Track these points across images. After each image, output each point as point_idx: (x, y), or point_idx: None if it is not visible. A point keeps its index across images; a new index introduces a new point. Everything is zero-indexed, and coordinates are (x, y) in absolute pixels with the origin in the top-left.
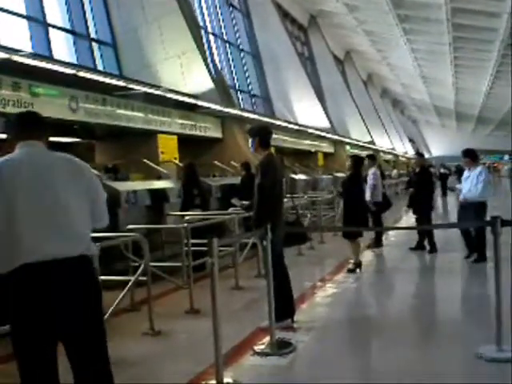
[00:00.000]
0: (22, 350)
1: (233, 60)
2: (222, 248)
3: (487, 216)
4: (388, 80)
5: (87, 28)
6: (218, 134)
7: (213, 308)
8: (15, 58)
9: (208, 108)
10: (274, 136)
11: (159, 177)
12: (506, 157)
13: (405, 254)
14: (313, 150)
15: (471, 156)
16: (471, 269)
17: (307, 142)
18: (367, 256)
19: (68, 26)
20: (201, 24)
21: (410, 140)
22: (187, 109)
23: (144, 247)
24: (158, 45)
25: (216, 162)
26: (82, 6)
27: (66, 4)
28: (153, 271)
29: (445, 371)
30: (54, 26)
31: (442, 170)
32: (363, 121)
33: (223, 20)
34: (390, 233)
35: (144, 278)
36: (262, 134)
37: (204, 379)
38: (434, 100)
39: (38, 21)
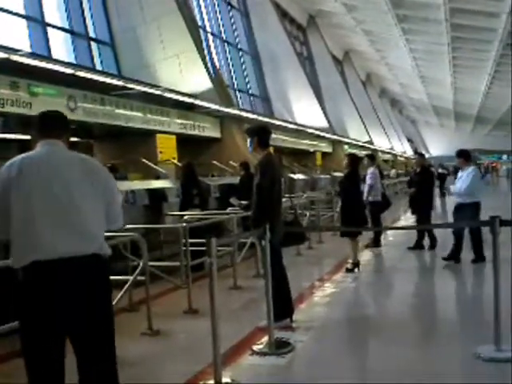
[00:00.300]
0: (29, 347)
1: (231, 60)
2: (220, 248)
3: (483, 216)
4: (387, 80)
5: (86, 27)
6: (216, 134)
7: (211, 308)
8: (14, 57)
9: (207, 108)
10: (273, 136)
11: (158, 176)
12: (505, 156)
13: (403, 253)
14: (311, 149)
15: (464, 156)
16: (470, 269)
17: (306, 141)
18: (365, 256)
19: (66, 26)
20: (199, 24)
21: (409, 140)
22: (186, 108)
23: (142, 247)
24: (157, 44)
25: (215, 161)
26: (81, 5)
27: (64, 4)
28: (151, 271)
29: (443, 371)
30: (52, 26)
31: (440, 170)
32: (362, 120)
33: (222, 19)
34: (389, 232)
35: (142, 278)
36: (260, 133)
37: (202, 379)
38: (432, 100)
39: (36, 20)
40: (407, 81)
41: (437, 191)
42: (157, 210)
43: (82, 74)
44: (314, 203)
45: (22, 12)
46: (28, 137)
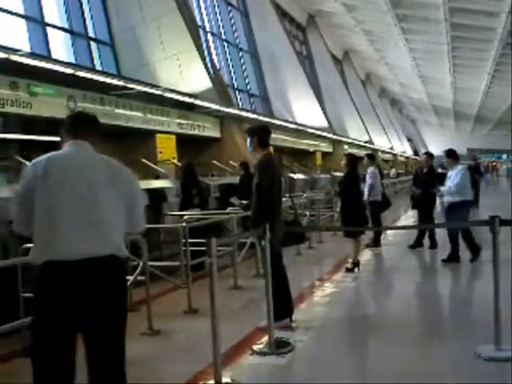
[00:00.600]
0: (39, 344)
1: (231, 59)
2: (220, 248)
3: (483, 215)
4: (386, 79)
5: (85, 27)
6: (216, 134)
7: (211, 307)
8: (13, 57)
9: (206, 108)
10: (273, 135)
11: (157, 176)
12: (505, 156)
13: (403, 253)
14: (311, 149)
15: (453, 156)
16: (469, 268)
17: (306, 141)
18: (365, 255)
19: (66, 26)
20: (199, 23)
21: (409, 139)
22: (186, 108)
23: (142, 247)
24: (157, 44)
25: (214, 161)
26: (81, 5)
27: (64, 3)
28: (151, 271)
29: (443, 371)
30: (52, 26)
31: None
32: (361, 120)
33: (221, 19)
34: (389, 232)
35: (142, 278)
36: (260, 133)
37: (202, 379)
38: (432, 99)
39: (36, 20)
40: (407, 80)
41: None
42: (157, 209)
43: (81, 73)
44: (313, 203)
45: (22, 12)
46: (28, 137)
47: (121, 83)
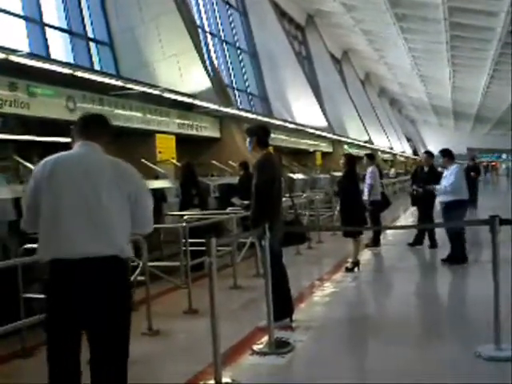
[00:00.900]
0: (50, 339)
1: (230, 59)
2: (220, 247)
3: (483, 215)
4: (385, 79)
5: (84, 28)
6: (215, 134)
7: (211, 307)
8: (12, 57)
9: (206, 107)
10: (272, 135)
11: (157, 176)
12: (504, 155)
13: (403, 252)
14: (311, 149)
15: (448, 155)
16: (469, 268)
17: (305, 141)
18: (365, 255)
19: (65, 26)
20: (198, 23)
21: (408, 139)
22: (185, 108)
23: (142, 247)
24: (156, 44)
25: (214, 161)
26: (79, 5)
27: (63, 4)
28: (151, 271)
29: (443, 370)
30: (51, 26)
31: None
32: (361, 120)
33: (220, 19)
34: (388, 232)
35: (142, 278)
36: (259, 133)
37: (202, 379)
38: (431, 99)
39: (34, 21)
40: (406, 80)
41: None
42: (156, 210)
43: (80, 74)
44: (313, 203)
45: (21, 12)
46: (27, 137)
47: (120, 83)
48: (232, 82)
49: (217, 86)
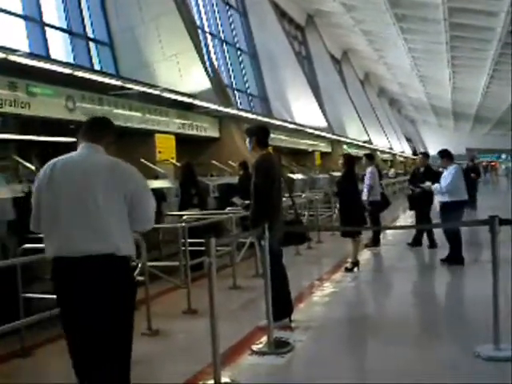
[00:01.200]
0: (65, 329)
1: (230, 59)
2: (219, 247)
3: (483, 215)
4: (385, 79)
5: (84, 28)
6: (215, 134)
7: (210, 307)
8: (12, 57)
9: (205, 108)
10: (272, 135)
11: (157, 176)
12: (504, 156)
13: (402, 252)
14: (310, 149)
15: (447, 156)
16: (468, 268)
17: (304, 141)
18: (365, 255)
19: (65, 26)
20: (198, 23)
21: (408, 139)
22: (185, 108)
23: (142, 247)
24: (155, 44)
25: (214, 161)
26: (79, 5)
27: (62, 4)
28: (150, 271)
29: (442, 370)
30: (51, 26)
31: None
32: (360, 120)
33: (220, 19)
34: (388, 232)
35: (142, 278)
36: (259, 133)
37: (202, 379)
38: (431, 99)
39: (34, 20)
40: (406, 80)
41: None
42: (156, 210)
43: (80, 74)
44: (312, 203)
45: (21, 12)
46: (27, 137)
47: (119, 83)
48: (232, 82)
49: (216, 86)
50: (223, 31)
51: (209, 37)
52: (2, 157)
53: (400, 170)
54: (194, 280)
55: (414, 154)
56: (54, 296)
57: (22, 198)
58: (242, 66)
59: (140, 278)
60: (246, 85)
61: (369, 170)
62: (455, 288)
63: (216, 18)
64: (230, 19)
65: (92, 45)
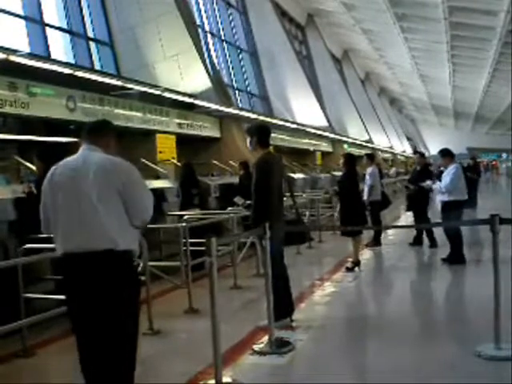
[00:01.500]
0: (73, 325)
1: (230, 59)
2: (220, 247)
3: (483, 215)
4: (386, 79)
5: (84, 27)
6: (216, 134)
7: (211, 307)
8: (12, 58)
9: (206, 107)
10: (272, 135)
11: (157, 176)
12: (504, 155)
13: (403, 252)
14: (311, 148)
15: (447, 155)
16: (469, 267)
17: (305, 140)
18: (366, 255)
19: (65, 26)
20: (198, 23)
21: (408, 139)
22: (185, 108)
23: (143, 246)
24: (156, 44)
25: (214, 161)
26: (80, 5)
27: (63, 4)
28: (151, 271)
29: (443, 370)
30: (51, 26)
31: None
32: (361, 119)
33: (221, 18)
34: (389, 231)
35: (143, 278)
36: (260, 132)
37: (203, 379)
38: (431, 98)
39: (35, 20)
40: (406, 80)
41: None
42: (157, 209)
43: (80, 74)
44: (313, 202)
45: (21, 12)
46: (27, 137)
47: (120, 83)
48: (232, 81)
49: (217, 86)
50: (223, 30)
51: (209, 36)
52: (2, 157)
53: (401, 169)
54: (195, 280)
55: (415, 153)
56: (57, 295)
57: (22, 198)
58: (242, 65)
59: (141, 278)
60: (247, 84)
61: (369, 170)
62: (456, 287)
63: (216, 18)
64: (231, 18)
65: (92, 44)
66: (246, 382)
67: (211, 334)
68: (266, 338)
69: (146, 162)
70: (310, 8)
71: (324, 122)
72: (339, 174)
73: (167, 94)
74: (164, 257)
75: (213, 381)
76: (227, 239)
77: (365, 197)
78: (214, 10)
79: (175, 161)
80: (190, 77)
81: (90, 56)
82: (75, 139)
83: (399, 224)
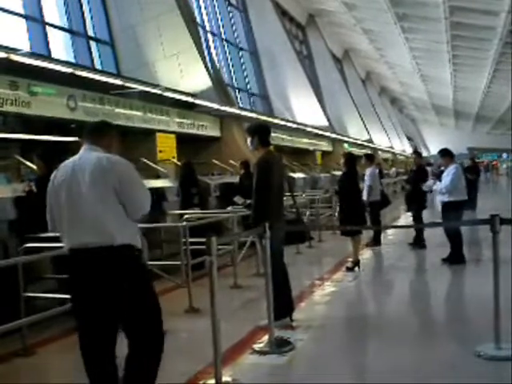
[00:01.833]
0: (78, 321)
1: (231, 58)
2: (220, 246)
3: (483, 215)
4: (386, 78)
5: (85, 27)
6: (216, 133)
7: (211, 307)
8: (13, 57)
9: (206, 106)
10: (272, 134)
11: (158, 176)
12: (505, 155)
13: (403, 252)
14: (311, 148)
15: (447, 155)
16: (469, 267)
17: (305, 140)
18: (366, 254)
19: (66, 25)
20: (199, 22)
21: (409, 138)
22: (186, 107)
23: (143, 246)
24: (156, 43)
25: (215, 160)
26: (80, 4)
27: (63, 3)
28: (152, 270)
29: (443, 370)
30: (51, 25)
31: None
32: (361, 119)
33: (221, 18)
34: (388, 231)
35: None
36: (261, 132)
37: (203, 378)
38: (432, 98)
39: (35, 19)
40: (407, 79)
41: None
42: (157, 209)
43: (81, 73)
44: (313, 202)
45: (22, 11)
46: (28, 136)
47: (120, 82)
48: (233, 81)
49: (217, 85)
50: (224, 30)
51: (210, 36)
52: (3, 156)
53: (401, 169)
54: (195, 279)
55: (414, 153)
56: (57, 294)
57: (23, 197)
58: (242, 64)
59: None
60: (247, 83)
61: (368, 170)
62: (456, 287)
63: (217, 17)
64: (231, 17)
65: (93, 44)
66: (245, 382)
67: (211, 334)
68: (266, 338)
69: (147, 161)
70: (310, 8)
71: (324, 122)
72: (339, 173)
73: (167, 94)
74: (164, 256)
75: (213, 380)
76: (227, 238)
77: (364, 197)
78: (215, 8)
79: (175, 160)
80: (190, 76)
81: (91, 55)
82: (76, 138)
83: (399, 224)
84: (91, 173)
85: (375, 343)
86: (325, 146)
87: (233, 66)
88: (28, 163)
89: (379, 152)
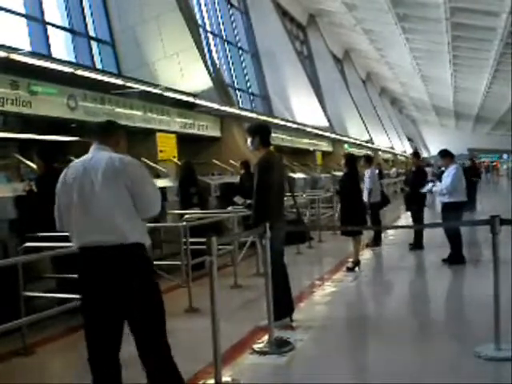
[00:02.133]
0: (85, 320)
1: (231, 58)
2: (220, 246)
3: (483, 215)
4: (387, 79)
5: (86, 26)
6: (216, 133)
7: (212, 306)
8: (14, 56)
9: (207, 106)
10: (273, 135)
11: (158, 175)
12: (505, 156)
13: (403, 252)
14: (311, 148)
15: (448, 155)
16: (469, 268)
17: (306, 140)
18: (366, 255)
19: (66, 25)
20: (199, 22)
21: (409, 139)
22: (186, 107)
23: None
24: (157, 43)
25: (215, 160)
26: (81, 4)
27: (64, 2)
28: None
29: (443, 370)
30: (52, 25)
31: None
32: (362, 119)
33: (222, 18)
34: (389, 231)
35: None
36: (262, 132)
37: (202, 378)
38: (432, 99)
39: (36, 19)
40: (407, 80)
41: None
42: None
43: (82, 72)
44: (314, 202)
45: (22, 11)
46: (28, 136)
47: (121, 82)
48: (233, 81)
49: (218, 85)
50: (225, 30)
51: (210, 36)
52: (3, 155)
53: (401, 170)
54: (195, 279)
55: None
56: (57, 294)
57: (23, 196)
58: (243, 65)
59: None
60: (248, 83)
61: (368, 172)
62: (456, 288)
63: (217, 17)
64: (232, 18)
65: (94, 43)
66: (245, 382)
67: (211, 333)
68: (265, 338)
69: (147, 161)
70: (311, 8)
71: (324, 122)
72: (339, 173)
73: (168, 93)
74: (164, 256)
75: (212, 380)
76: (227, 238)
77: (364, 199)
78: (216, 9)
79: (176, 160)
80: (190, 76)
81: (91, 55)
82: (76, 138)
83: (399, 224)
84: (104, 172)
85: (375, 344)
86: (325, 146)
87: (233, 65)
88: (28, 162)
89: (379, 152)
